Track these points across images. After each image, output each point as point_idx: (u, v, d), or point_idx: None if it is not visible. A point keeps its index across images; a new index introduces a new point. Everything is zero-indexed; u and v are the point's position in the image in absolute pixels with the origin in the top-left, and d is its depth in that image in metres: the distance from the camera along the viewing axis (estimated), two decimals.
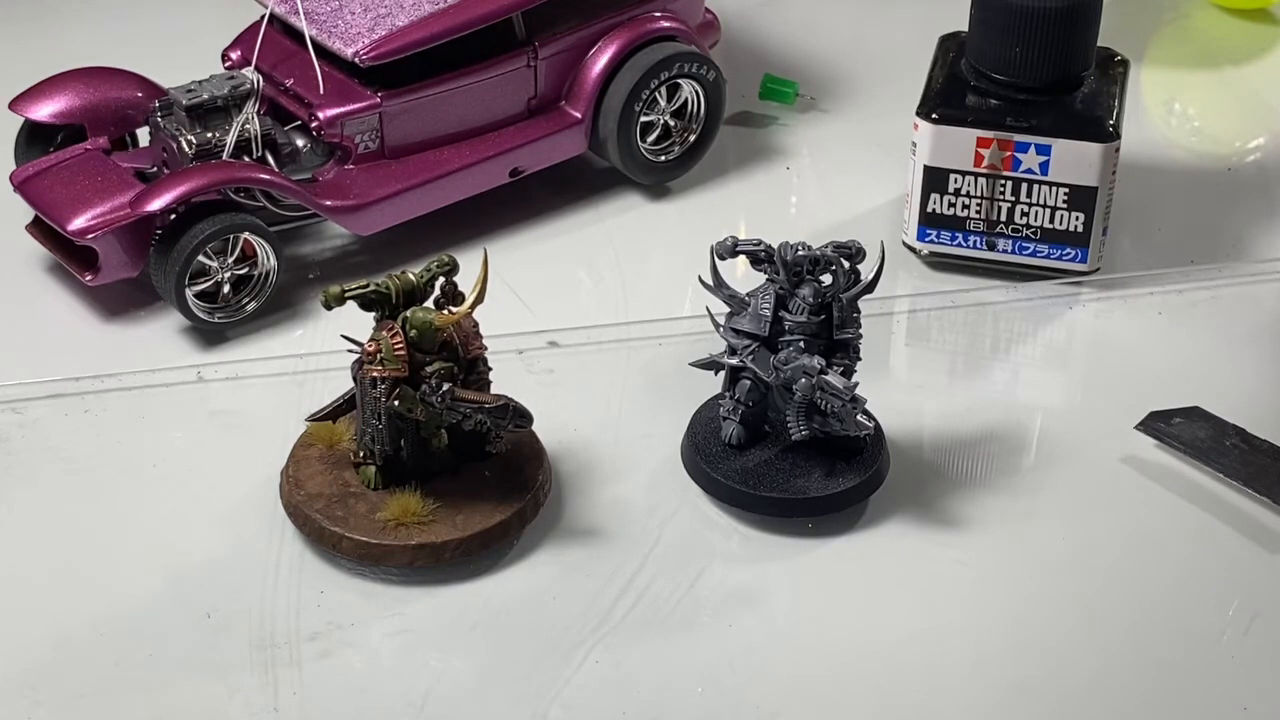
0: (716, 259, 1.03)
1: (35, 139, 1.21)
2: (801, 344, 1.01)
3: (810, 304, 1.01)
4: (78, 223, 1.13)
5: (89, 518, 1.03)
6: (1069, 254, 1.19)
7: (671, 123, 1.28)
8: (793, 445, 1.03)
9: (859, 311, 1.03)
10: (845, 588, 1.00)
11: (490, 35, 1.21)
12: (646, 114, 1.26)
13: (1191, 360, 1.16)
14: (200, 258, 1.13)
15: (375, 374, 0.98)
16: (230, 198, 1.15)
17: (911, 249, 1.22)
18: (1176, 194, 1.31)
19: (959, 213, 1.20)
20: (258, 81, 1.18)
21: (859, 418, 0.99)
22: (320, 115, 1.18)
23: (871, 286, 1.04)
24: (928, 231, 1.21)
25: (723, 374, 1.05)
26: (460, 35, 1.20)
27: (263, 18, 1.23)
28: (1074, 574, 1.01)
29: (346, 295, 0.99)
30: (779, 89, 1.37)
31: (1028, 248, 1.20)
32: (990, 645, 0.97)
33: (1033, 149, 1.17)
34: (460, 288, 1.01)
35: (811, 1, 1.52)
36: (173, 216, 1.13)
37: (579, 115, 1.25)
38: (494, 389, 1.01)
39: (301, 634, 0.96)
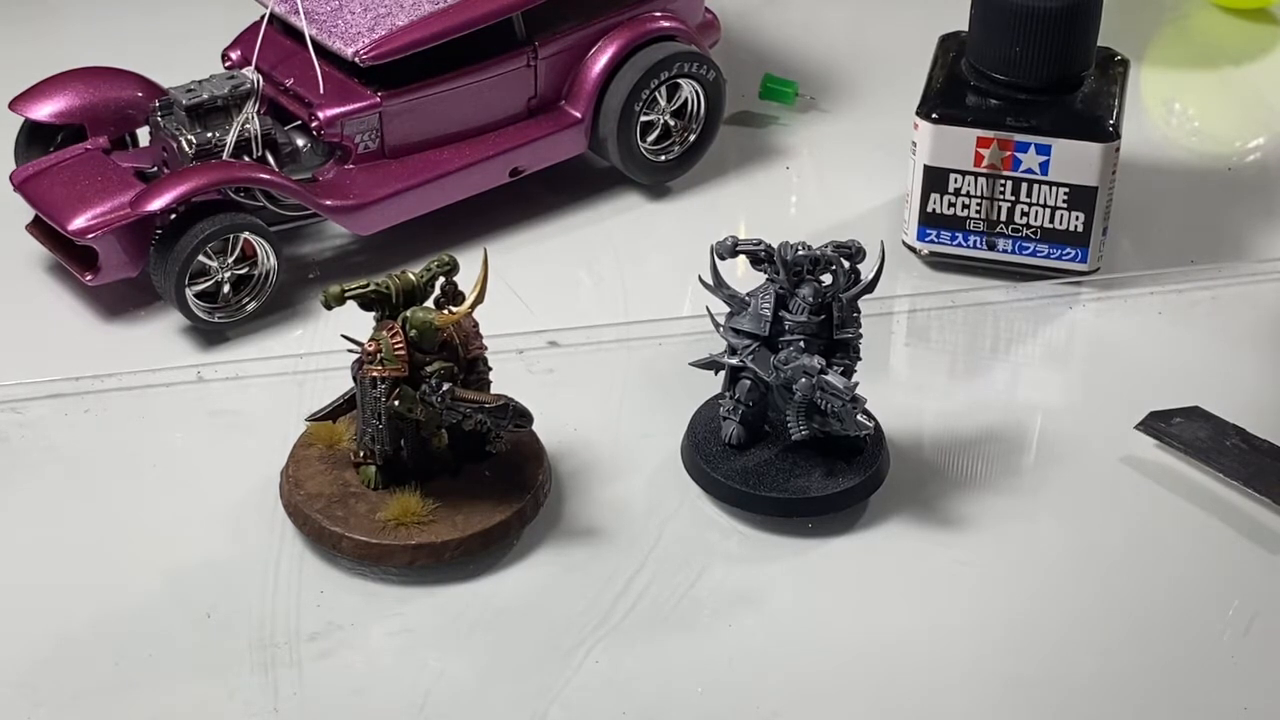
0: (716, 259, 1.03)
1: (35, 139, 1.21)
2: (801, 344, 1.01)
3: (810, 304, 1.01)
4: (78, 222, 1.13)
5: (89, 518, 1.03)
6: (1069, 254, 1.19)
7: (671, 122, 1.28)
8: (793, 445, 1.03)
9: (859, 311, 1.03)
10: (845, 588, 1.00)
11: (490, 35, 1.21)
12: (646, 114, 1.26)
13: (1191, 360, 1.16)
14: (200, 258, 1.13)
15: (375, 374, 0.98)
16: (230, 197, 1.15)
17: (911, 249, 1.22)
18: (1176, 194, 1.31)
19: (959, 213, 1.20)
20: (258, 81, 1.18)
21: (859, 418, 0.99)
22: (320, 115, 1.18)
23: (871, 286, 1.04)
24: (928, 231, 1.21)
25: (723, 374, 1.05)
26: (460, 35, 1.20)
27: (263, 18, 1.23)
28: (1074, 574, 1.01)
29: (346, 295, 0.99)
30: (779, 89, 1.37)
31: (1028, 248, 1.20)
32: (990, 645, 0.97)
33: (1033, 149, 1.17)
34: (460, 288, 1.01)
35: (811, 1, 1.52)
36: (173, 216, 1.13)
37: (579, 115, 1.25)
38: (494, 389, 1.01)
39: (301, 634, 0.96)
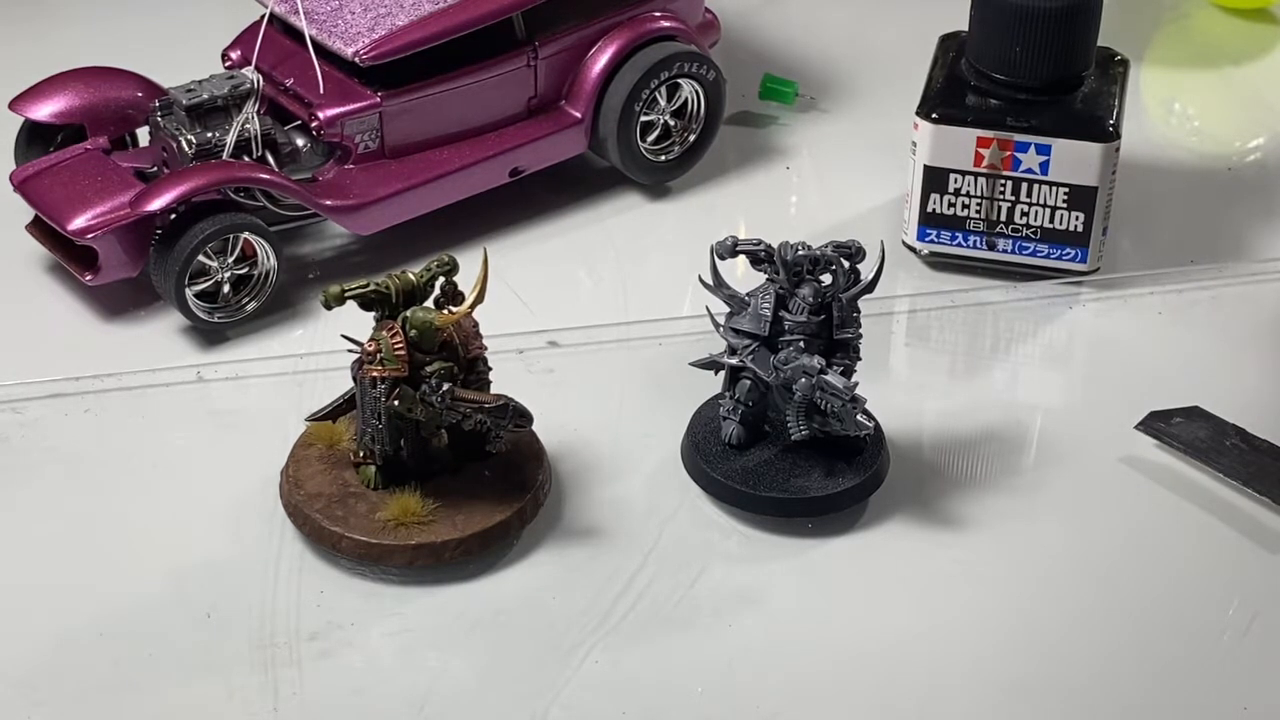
0: (716, 259, 1.03)
1: (35, 139, 1.21)
2: (801, 344, 1.01)
3: (810, 304, 1.01)
4: (78, 222, 1.13)
5: (89, 518, 1.03)
6: (1069, 254, 1.19)
7: (671, 122, 1.28)
8: (793, 445, 1.03)
9: (859, 311, 1.03)
10: (845, 588, 1.00)
11: (490, 35, 1.21)
12: (646, 114, 1.26)
13: (1191, 360, 1.16)
14: (200, 258, 1.13)
15: (375, 374, 0.98)
16: (230, 197, 1.15)
17: (911, 249, 1.22)
18: (1176, 194, 1.31)
19: (959, 213, 1.20)
20: (258, 81, 1.18)
21: (859, 418, 0.99)
22: (320, 115, 1.18)
23: (871, 286, 1.04)
24: (928, 231, 1.21)
25: (723, 374, 1.05)
26: (460, 35, 1.20)
27: (263, 17, 1.23)
28: (1074, 574, 1.01)
29: (346, 295, 0.99)
30: (779, 89, 1.37)
31: (1028, 248, 1.20)
32: (990, 645, 0.97)
33: (1033, 149, 1.17)
34: (460, 288, 1.01)
35: (811, 1, 1.52)
36: (173, 216, 1.13)
37: (579, 115, 1.25)
38: (494, 389, 1.01)
39: (301, 634, 0.96)
